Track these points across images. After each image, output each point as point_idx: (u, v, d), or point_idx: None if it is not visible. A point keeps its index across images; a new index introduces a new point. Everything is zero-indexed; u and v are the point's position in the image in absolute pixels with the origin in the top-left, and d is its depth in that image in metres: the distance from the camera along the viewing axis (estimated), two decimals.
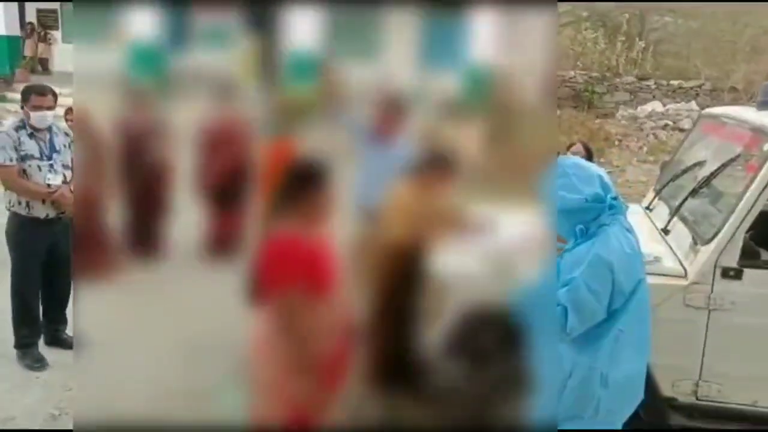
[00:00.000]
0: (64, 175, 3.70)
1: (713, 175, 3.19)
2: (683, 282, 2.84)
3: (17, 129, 3.64)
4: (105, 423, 2.43)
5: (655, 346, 2.77)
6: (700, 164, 3.55)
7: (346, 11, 3.87)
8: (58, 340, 3.96)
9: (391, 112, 3.51)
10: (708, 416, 2.91)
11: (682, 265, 2.91)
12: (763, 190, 2.76)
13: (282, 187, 2.08)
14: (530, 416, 2.06)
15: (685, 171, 3.67)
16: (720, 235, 2.80)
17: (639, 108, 11.94)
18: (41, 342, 3.94)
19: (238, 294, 2.06)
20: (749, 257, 2.81)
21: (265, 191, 3.41)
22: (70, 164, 3.74)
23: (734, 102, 10.28)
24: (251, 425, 2.08)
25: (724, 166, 3.16)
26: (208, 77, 4.00)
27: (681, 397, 2.90)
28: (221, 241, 3.87)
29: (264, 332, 2.07)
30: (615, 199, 2.19)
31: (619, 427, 2.27)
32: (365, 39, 4.18)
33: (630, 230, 2.21)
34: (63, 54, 15.42)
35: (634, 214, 3.68)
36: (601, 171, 2.26)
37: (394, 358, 2.61)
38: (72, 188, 3.68)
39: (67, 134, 3.83)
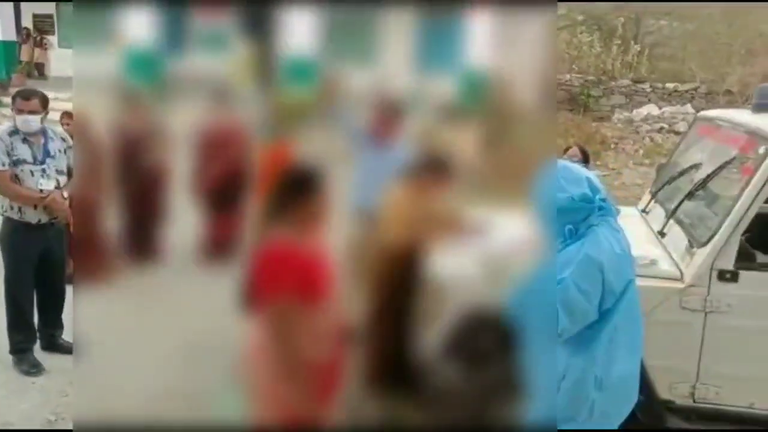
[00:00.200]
0: (57, 181, 3.68)
1: (709, 177, 3.19)
2: (679, 285, 2.84)
3: (11, 134, 3.64)
4: (104, 426, 2.43)
5: (652, 349, 2.78)
6: (695, 167, 3.56)
7: (343, 15, 3.88)
8: (54, 345, 3.95)
9: (388, 115, 3.51)
10: (705, 418, 2.91)
11: (678, 267, 2.92)
12: (759, 192, 2.77)
13: (275, 194, 2.07)
14: (528, 418, 2.05)
15: (681, 174, 3.67)
16: (716, 238, 2.80)
17: (635, 111, 11.97)
18: (38, 347, 3.93)
19: (234, 299, 2.05)
20: (745, 260, 2.82)
21: (261, 195, 3.42)
22: (64, 170, 3.73)
23: (729, 105, 10.33)
24: (249, 428, 2.08)
25: (719, 168, 3.17)
26: (205, 81, 4.01)
27: (678, 400, 2.90)
28: (218, 245, 3.87)
29: (257, 339, 2.07)
30: (604, 200, 2.19)
31: (614, 428, 2.27)
32: (362, 42, 4.19)
33: (619, 231, 2.21)
34: (59, 59, 15.40)
35: (630, 216, 3.68)
36: (590, 173, 2.26)
37: (393, 360, 2.61)
38: (64, 193, 3.67)
39: (63, 139, 3.82)
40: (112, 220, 3.81)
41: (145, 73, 3.81)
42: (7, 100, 12.58)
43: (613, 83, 12.82)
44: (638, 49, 13.48)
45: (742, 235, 2.81)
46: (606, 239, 2.13)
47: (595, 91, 12.66)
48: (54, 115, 3.98)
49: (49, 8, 15.87)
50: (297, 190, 2.03)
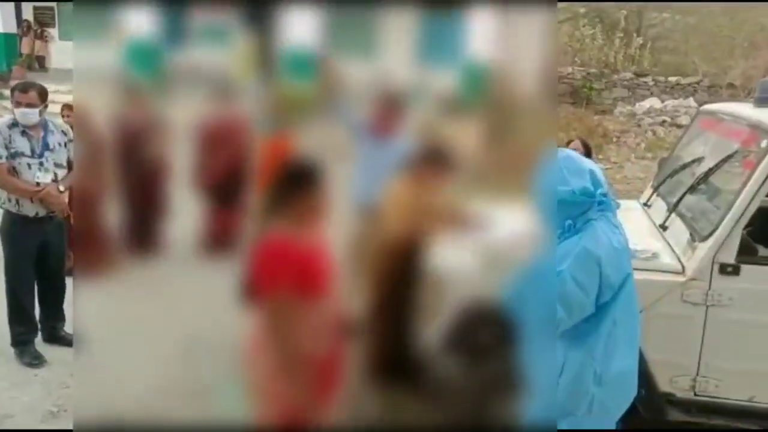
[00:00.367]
0: (55, 174, 3.68)
1: (711, 171, 3.19)
2: (681, 278, 2.84)
3: (10, 126, 3.64)
4: (104, 420, 2.43)
5: (653, 342, 2.79)
6: (697, 161, 3.56)
7: (344, 7, 3.86)
8: (56, 338, 3.96)
9: (389, 108, 3.50)
10: (705, 412, 2.92)
11: (679, 261, 2.92)
12: (761, 186, 2.76)
13: (274, 188, 2.07)
14: (528, 412, 2.05)
15: (683, 167, 3.67)
16: (718, 232, 2.80)
17: (637, 104, 11.94)
18: (39, 339, 3.95)
19: (234, 293, 2.05)
20: (747, 253, 2.82)
21: (262, 189, 3.41)
22: (64, 163, 3.73)
23: (732, 98, 10.30)
24: (249, 422, 2.08)
25: (721, 162, 3.16)
26: (206, 74, 4.00)
27: (679, 393, 2.91)
28: (219, 238, 3.87)
29: (256, 334, 2.07)
30: (605, 195, 2.17)
31: (613, 423, 2.27)
32: (363, 35, 4.17)
33: (618, 227, 2.20)
34: (60, 51, 15.37)
35: (632, 210, 3.68)
36: (594, 166, 2.25)
37: (393, 354, 2.61)
38: (61, 187, 3.67)
39: (64, 132, 3.82)
40: (112, 213, 3.81)
41: (146, 66, 3.80)
42: (8, 93, 12.57)
43: (616, 76, 12.78)
44: (641, 42, 13.43)
45: (744, 228, 2.81)
46: (604, 233, 2.12)
47: (597, 84, 12.62)
48: (54, 108, 3.97)
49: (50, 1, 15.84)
50: (296, 183, 2.03)
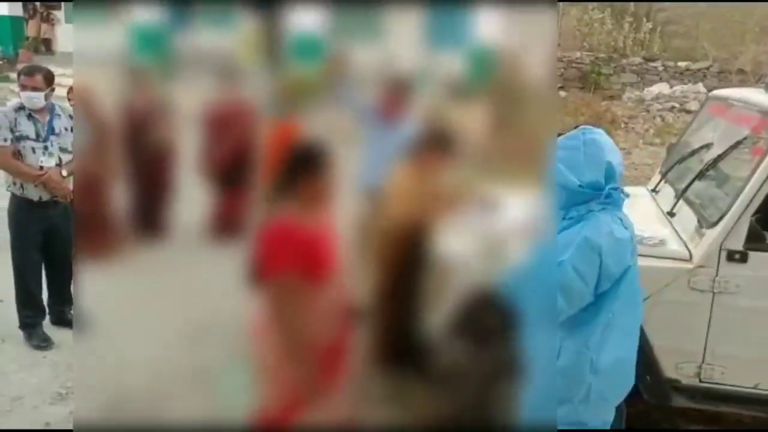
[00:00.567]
0: (60, 158, 3.69)
1: (720, 157, 3.16)
2: (688, 265, 2.83)
3: (17, 110, 3.65)
4: (107, 403, 2.46)
5: (659, 328, 2.79)
6: (706, 147, 3.53)
7: None
8: (64, 321, 3.99)
9: (395, 93, 3.49)
10: (710, 398, 2.92)
11: (687, 247, 2.91)
12: None
13: (282, 171, 2.06)
14: (529, 399, 2.06)
15: (691, 153, 3.64)
16: (726, 218, 2.78)
17: (646, 90, 11.84)
18: (48, 322, 3.98)
19: (240, 276, 2.06)
20: (755, 240, 2.80)
21: (268, 173, 3.41)
22: (69, 148, 3.73)
23: (742, 84, 10.19)
24: (254, 407, 2.09)
25: (731, 148, 3.14)
26: (212, 58, 3.98)
27: (684, 379, 2.91)
28: (225, 223, 3.88)
29: (262, 317, 2.07)
30: (615, 189, 2.14)
31: (612, 412, 2.27)
32: (370, 19, 4.14)
33: (622, 219, 2.16)
34: (66, 34, 15.34)
35: (640, 196, 3.66)
36: (614, 156, 2.16)
37: (399, 340, 2.62)
38: (63, 172, 3.67)
39: (72, 117, 3.82)
40: (118, 198, 3.82)
41: (152, 50, 3.79)
42: (15, 76, 12.59)
43: (625, 61, 12.65)
44: (650, 26, 13.27)
45: (752, 215, 2.79)
46: (606, 223, 2.10)
47: (605, 69, 12.49)
48: (61, 92, 3.97)
49: None
50: (303, 167, 2.02)
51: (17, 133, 3.60)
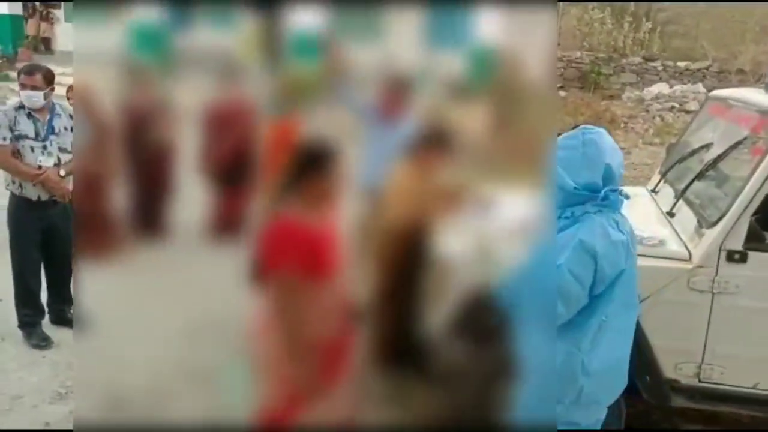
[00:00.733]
0: (58, 158, 3.68)
1: (720, 157, 3.16)
2: (688, 265, 2.83)
3: (17, 109, 3.65)
4: (107, 403, 2.46)
5: (658, 329, 2.79)
6: (706, 147, 3.53)
7: None
8: (64, 320, 3.99)
9: (395, 92, 3.49)
10: (709, 398, 2.93)
11: (686, 248, 2.91)
12: None
13: (289, 169, 2.07)
14: (527, 400, 2.05)
15: (691, 153, 3.64)
16: (725, 218, 2.79)
17: (645, 90, 11.84)
18: (47, 322, 3.98)
19: (241, 274, 2.06)
20: (754, 240, 2.80)
21: (267, 171, 3.41)
22: (69, 147, 3.73)
23: (741, 84, 10.19)
24: (254, 404, 2.09)
25: (730, 148, 3.14)
26: (212, 57, 3.98)
27: (683, 379, 2.91)
28: (225, 222, 3.87)
29: (263, 314, 2.08)
30: (613, 191, 2.12)
31: (604, 411, 2.26)
32: (370, 19, 4.13)
33: (618, 223, 2.14)
34: (65, 33, 15.31)
35: (639, 196, 3.66)
36: (614, 158, 2.14)
37: (398, 340, 2.62)
38: (62, 172, 3.67)
39: (72, 117, 3.81)
40: (118, 197, 3.82)
41: (152, 48, 3.79)
42: (14, 74, 12.59)
43: (624, 61, 12.66)
44: (650, 26, 13.28)
45: (752, 215, 2.79)
46: (601, 226, 2.08)
47: (605, 69, 12.50)
48: (60, 90, 3.97)
49: None
50: (311, 165, 2.02)
51: (16, 132, 3.60)
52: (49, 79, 3.69)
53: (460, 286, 2.51)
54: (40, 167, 3.63)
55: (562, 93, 11.78)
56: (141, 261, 3.52)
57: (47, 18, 15.94)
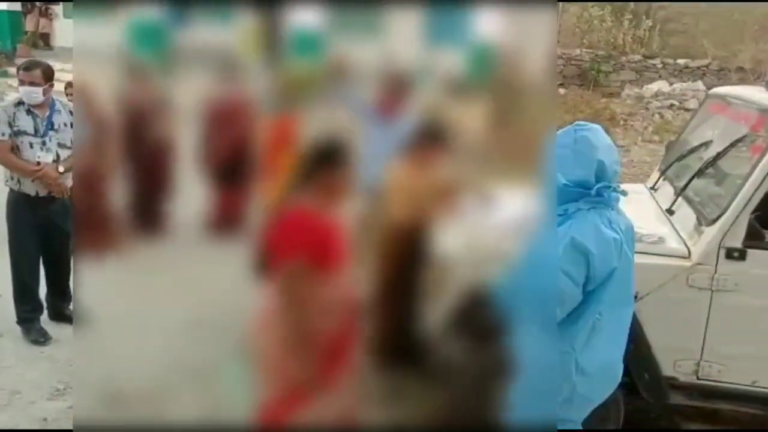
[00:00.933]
0: (57, 154, 3.68)
1: (719, 155, 3.17)
2: (687, 263, 2.83)
3: (16, 105, 3.65)
4: (106, 399, 2.46)
5: (657, 326, 2.79)
6: (706, 145, 3.53)
7: None
8: (62, 316, 3.99)
9: (394, 90, 3.48)
10: (708, 396, 2.93)
11: (686, 245, 2.91)
12: None
13: (302, 163, 2.08)
14: (525, 399, 2.05)
15: (690, 151, 3.64)
16: (725, 216, 2.79)
17: (645, 87, 11.84)
18: (46, 318, 3.98)
19: (243, 269, 2.06)
20: (754, 238, 2.80)
21: (266, 168, 3.40)
22: (68, 144, 3.72)
23: (741, 82, 10.20)
24: (254, 399, 2.09)
25: (730, 146, 3.14)
26: (211, 54, 3.97)
27: (682, 377, 2.92)
28: (224, 219, 3.87)
29: (267, 306, 2.08)
30: (607, 187, 2.10)
31: (590, 408, 2.26)
32: (370, 16, 4.13)
33: (612, 220, 2.13)
34: (64, 29, 15.28)
35: (639, 194, 3.67)
36: (608, 155, 2.14)
37: (397, 337, 2.62)
38: (60, 168, 3.67)
39: (72, 113, 3.81)
40: (118, 193, 3.82)
41: (151, 45, 3.78)
42: (13, 70, 12.58)
43: (624, 59, 12.66)
44: (650, 24, 13.27)
45: (751, 213, 2.79)
46: (593, 223, 2.08)
47: (605, 67, 12.50)
48: (59, 87, 3.96)
49: None
50: (324, 160, 2.03)
51: (15, 128, 3.60)
52: (49, 75, 3.68)
53: (458, 283, 2.52)
54: (38, 163, 3.63)
55: (561, 91, 11.78)
56: (140, 257, 3.51)
57: (46, 14, 15.91)
